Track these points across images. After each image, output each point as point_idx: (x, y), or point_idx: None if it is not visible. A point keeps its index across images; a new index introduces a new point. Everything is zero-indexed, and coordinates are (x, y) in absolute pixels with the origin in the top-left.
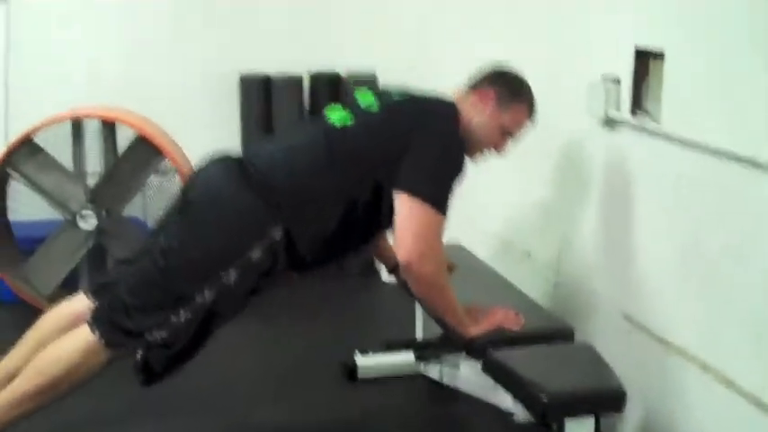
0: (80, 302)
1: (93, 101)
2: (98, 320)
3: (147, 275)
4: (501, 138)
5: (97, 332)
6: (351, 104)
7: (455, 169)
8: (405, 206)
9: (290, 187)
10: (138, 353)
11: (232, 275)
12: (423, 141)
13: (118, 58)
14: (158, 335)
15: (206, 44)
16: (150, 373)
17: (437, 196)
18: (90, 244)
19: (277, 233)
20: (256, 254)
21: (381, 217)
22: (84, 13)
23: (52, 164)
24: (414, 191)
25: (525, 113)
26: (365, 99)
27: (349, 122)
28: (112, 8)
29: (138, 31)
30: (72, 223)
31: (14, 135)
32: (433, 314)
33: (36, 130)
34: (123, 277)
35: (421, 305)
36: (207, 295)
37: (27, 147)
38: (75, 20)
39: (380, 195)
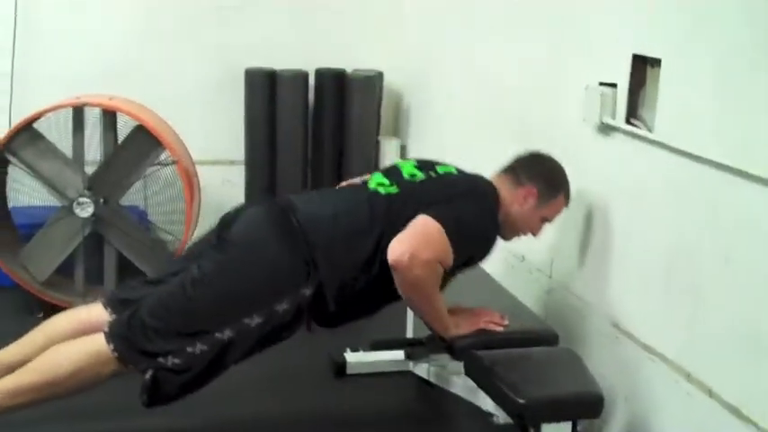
0: (96, 311)
1: (97, 90)
2: (115, 334)
3: (172, 301)
4: (539, 225)
5: (112, 345)
6: (393, 173)
7: (481, 235)
8: (418, 219)
9: (330, 247)
10: (149, 374)
11: (255, 320)
12: (461, 200)
13: (124, 47)
14: (172, 361)
15: (213, 37)
16: (155, 396)
17: (451, 226)
18: (86, 231)
19: (308, 291)
20: (283, 306)
21: None
22: (91, 1)
23: (52, 151)
24: (432, 213)
25: (563, 203)
26: (407, 169)
27: (393, 191)
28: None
29: (145, 22)
30: (69, 210)
31: (17, 121)
32: (418, 315)
33: (37, 116)
34: (147, 297)
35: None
36: (226, 333)
37: (27, 133)
38: (82, 8)
39: None
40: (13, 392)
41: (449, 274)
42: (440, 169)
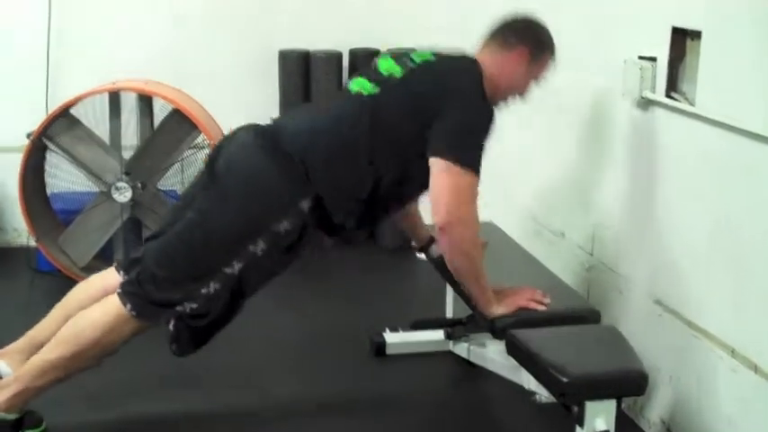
0: (111, 276)
1: (133, 74)
2: (128, 292)
3: (175, 248)
4: (529, 86)
5: (128, 304)
6: (373, 73)
7: (484, 127)
8: (438, 171)
9: (320, 157)
10: (171, 324)
11: (260, 246)
12: (449, 105)
13: (159, 32)
14: (189, 306)
15: (246, 19)
16: (184, 344)
17: (469, 158)
18: (125, 216)
19: (305, 204)
20: (284, 225)
21: (414, 181)
22: None
23: (89, 136)
24: (446, 155)
25: (551, 59)
26: (385, 65)
27: (374, 91)
28: None
29: (179, 6)
30: (107, 195)
31: (54, 107)
32: (462, 286)
33: (74, 102)
34: (152, 250)
35: (450, 276)
36: (235, 266)
37: (65, 119)
38: None
39: (410, 164)
40: (42, 369)
41: None
42: (416, 57)
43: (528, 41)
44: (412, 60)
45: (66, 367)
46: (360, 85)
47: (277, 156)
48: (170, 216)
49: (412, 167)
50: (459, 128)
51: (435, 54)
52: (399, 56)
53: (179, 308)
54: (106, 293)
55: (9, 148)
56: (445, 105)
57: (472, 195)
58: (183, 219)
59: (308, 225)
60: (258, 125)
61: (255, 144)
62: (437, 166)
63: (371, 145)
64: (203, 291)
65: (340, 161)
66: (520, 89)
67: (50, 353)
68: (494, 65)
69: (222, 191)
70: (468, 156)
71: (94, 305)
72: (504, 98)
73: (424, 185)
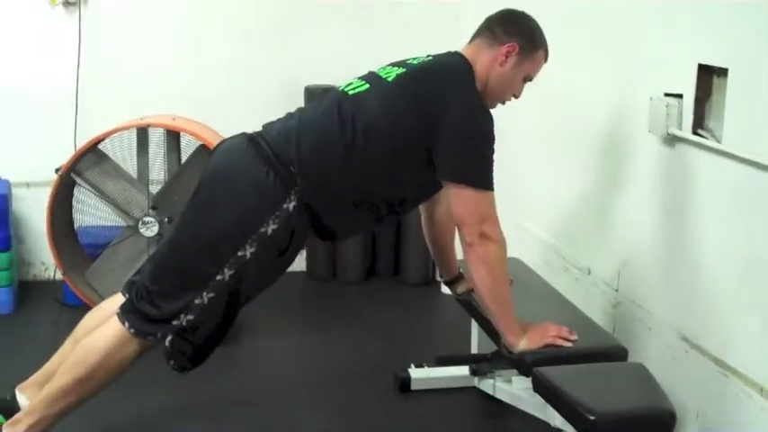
0: (117, 302)
1: (160, 110)
2: (126, 311)
3: (165, 261)
4: (521, 85)
5: (126, 323)
6: (369, 76)
7: (486, 137)
8: (454, 196)
9: (302, 158)
10: (168, 339)
11: (249, 251)
12: (450, 125)
13: (187, 68)
14: (186, 319)
15: (272, 55)
16: (180, 359)
17: (481, 178)
18: (151, 251)
19: (291, 204)
20: (272, 227)
21: (403, 182)
22: (154, 22)
23: (117, 171)
24: (458, 180)
25: (543, 57)
26: (384, 70)
27: (362, 89)
28: (184, 18)
29: (207, 43)
30: (134, 230)
31: (82, 142)
32: (489, 315)
33: (102, 137)
34: (146, 267)
35: (476, 312)
36: (226, 273)
37: (93, 154)
38: (143, 32)
39: (397, 163)
40: (54, 398)
41: None
42: (412, 61)
43: (517, 36)
44: (408, 64)
45: (76, 392)
46: (349, 84)
47: (260, 157)
48: (168, 235)
49: (399, 167)
50: (463, 146)
51: (428, 58)
52: (398, 62)
53: (175, 322)
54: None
55: (38, 183)
56: (443, 111)
57: (492, 211)
58: (174, 230)
59: (297, 226)
60: (243, 132)
61: (239, 148)
62: (452, 190)
63: (355, 143)
64: (197, 301)
65: (323, 159)
66: (512, 88)
67: (59, 380)
68: (482, 62)
69: (207, 198)
70: (480, 176)
71: (95, 330)
72: (497, 97)
73: (417, 190)
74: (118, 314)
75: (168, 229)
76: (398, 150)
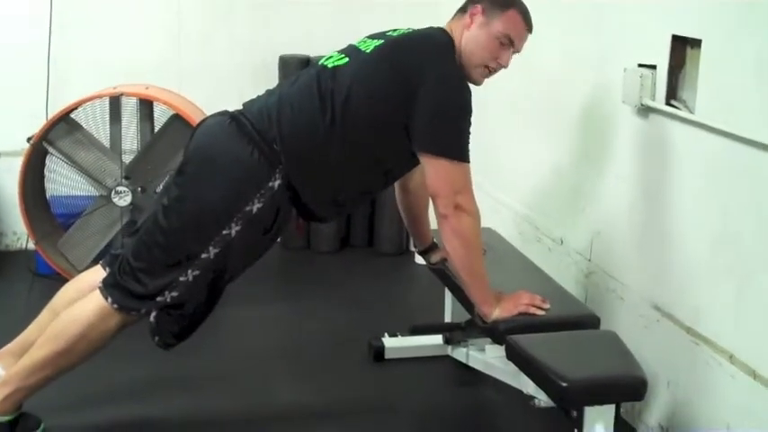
0: (96, 274)
1: (134, 79)
2: (109, 286)
3: (150, 238)
4: (500, 48)
5: (109, 298)
6: (349, 49)
7: (463, 108)
8: (430, 167)
9: (284, 135)
10: (152, 315)
11: (234, 229)
12: (425, 83)
13: (160, 37)
14: (170, 295)
15: (247, 25)
16: (166, 335)
17: (456, 149)
18: (124, 220)
19: (276, 182)
20: (257, 206)
21: (385, 163)
22: None
23: (89, 140)
24: (433, 151)
25: (518, 18)
26: (363, 43)
27: (341, 62)
28: None
29: (181, 11)
30: (107, 199)
31: (54, 111)
32: (463, 284)
33: (74, 106)
34: (130, 244)
35: (450, 281)
36: (211, 251)
37: (65, 123)
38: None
39: (376, 135)
40: (31, 369)
41: None
42: (391, 33)
43: (481, 0)
44: (387, 36)
45: (54, 365)
46: (328, 58)
47: (244, 136)
48: (150, 209)
49: (381, 141)
50: (439, 117)
51: (408, 30)
52: (376, 34)
53: (159, 298)
54: (90, 291)
55: (9, 153)
56: (421, 82)
57: (467, 183)
58: (158, 207)
59: (281, 205)
60: (225, 110)
61: (221, 127)
62: (427, 161)
63: (335, 118)
64: (182, 279)
65: (305, 136)
66: (489, 52)
67: (38, 351)
68: (456, 33)
69: (192, 176)
70: (455, 147)
71: (77, 303)
72: (472, 64)
73: (399, 164)
74: (100, 288)
75: (141, 199)
76: (378, 123)
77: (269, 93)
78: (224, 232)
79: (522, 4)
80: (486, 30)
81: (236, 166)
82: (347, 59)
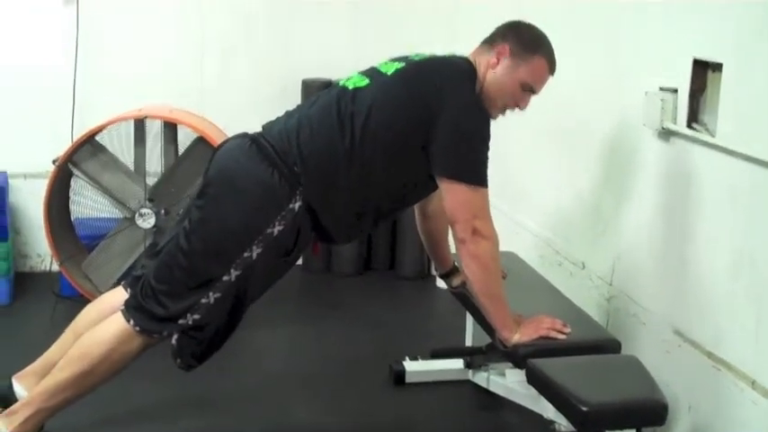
0: (120, 295)
1: (158, 102)
2: (131, 308)
3: (172, 260)
4: (521, 94)
5: (131, 320)
6: (370, 71)
7: (482, 134)
8: (448, 192)
9: (304, 157)
10: (174, 338)
11: (255, 251)
12: (445, 108)
13: (184, 60)
14: (192, 318)
15: (270, 49)
16: (187, 357)
17: (475, 175)
18: (148, 242)
19: (296, 204)
20: (278, 227)
21: (403, 187)
22: (153, 14)
23: (114, 163)
24: (452, 176)
25: (544, 66)
26: (385, 65)
27: (362, 84)
28: (182, 10)
29: (205, 35)
30: (131, 221)
31: (80, 134)
32: (482, 308)
33: (100, 129)
34: (152, 266)
35: (471, 305)
36: (232, 273)
37: (90, 145)
38: (142, 23)
39: (395, 157)
40: (53, 390)
41: None
42: (414, 57)
43: (510, 40)
44: (409, 59)
45: (76, 386)
46: (349, 79)
47: (264, 158)
48: (171, 231)
49: (399, 164)
50: (458, 143)
51: (431, 56)
52: (399, 57)
53: (181, 321)
54: (112, 312)
55: (35, 174)
56: (440, 107)
57: (484, 208)
58: (180, 230)
59: (302, 226)
60: (246, 132)
61: (242, 149)
62: (446, 186)
63: (354, 141)
64: (203, 301)
65: (325, 159)
66: (510, 94)
67: (60, 373)
68: (481, 66)
69: (213, 199)
70: (474, 172)
71: (99, 324)
72: (500, 107)
73: (416, 188)
74: (122, 311)
75: (165, 221)
76: (396, 147)
77: (288, 115)
78: (245, 255)
79: (549, 45)
80: (512, 76)
81: (257, 188)
82: (368, 81)
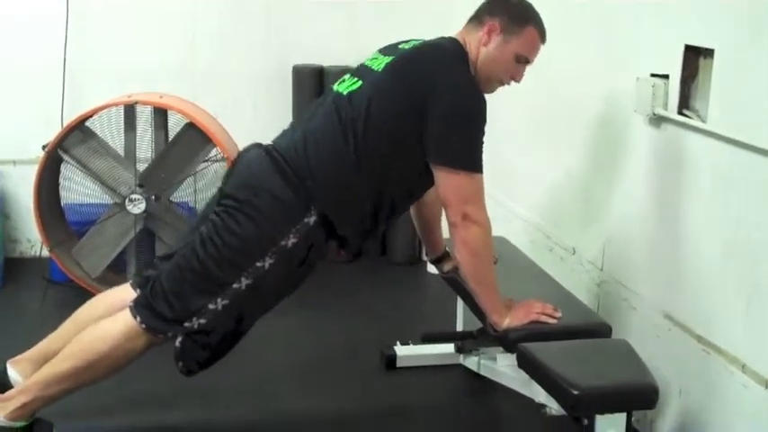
0: (125, 293)
1: (148, 88)
2: (139, 305)
3: (186, 264)
4: (516, 66)
5: (138, 317)
6: (361, 70)
7: (477, 118)
8: (442, 177)
9: (315, 171)
10: (178, 340)
11: (267, 262)
12: (438, 95)
13: (174, 46)
14: (198, 322)
15: (261, 34)
16: (189, 362)
17: (469, 161)
18: (138, 228)
19: (311, 219)
20: (292, 240)
21: (414, 172)
22: (142, 1)
23: (104, 148)
24: (446, 162)
25: (536, 36)
26: (374, 61)
27: (354, 87)
28: None
29: (195, 22)
30: (121, 207)
31: (70, 119)
32: (473, 293)
33: (89, 114)
34: (165, 267)
35: (462, 290)
36: (243, 282)
37: (80, 131)
38: (132, 8)
39: (398, 159)
40: (51, 381)
41: None
42: (402, 46)
43: (498, 14)
44: (398, 50)
45: (75, 379)
46: (341, 82)
47: (279, 172)
48: (186, 235)
49: (403, 158)
50: (450, 126)
51: (419, 42)
52: (387, 49)
53: (187, 324)
54: (120, 308)
55: (24, 160)
56: (430, 91)
57: (477, 193)
58: (197, 236)
59: (315, 240)
60: (260, 144)
61: (260, 161)
62: (438, 171)
63: (358, 146)
64: (211, 306)
65: (332, 167)
66: (504, 68)
67: (60, 364)
68: (471, 45)
69: (232, 209)
70: (466, 157)
71: (106, 319)
72: (489, 80)
73: (422, 180)
74: (131, 307)
75: (155, 207)
76: (398, 141)
77: (292, 129)
78: (257, 264)
79: (538, 15)
80: (504, 49)
81: (274, 202)
82: (360, 83)
